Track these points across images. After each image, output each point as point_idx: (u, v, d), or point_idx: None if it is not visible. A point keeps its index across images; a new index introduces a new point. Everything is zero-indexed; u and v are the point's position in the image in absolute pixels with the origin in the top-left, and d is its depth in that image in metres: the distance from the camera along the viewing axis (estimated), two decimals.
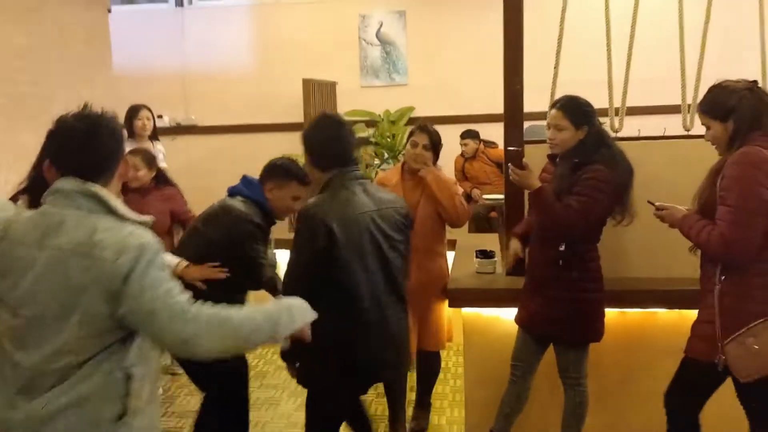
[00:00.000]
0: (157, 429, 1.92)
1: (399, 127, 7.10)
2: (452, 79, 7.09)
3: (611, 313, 3.12)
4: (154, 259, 1.72)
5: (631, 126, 3.42)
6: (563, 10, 3.32)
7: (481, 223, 6.02)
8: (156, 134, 4.90)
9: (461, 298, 3.27)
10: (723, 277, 2.42)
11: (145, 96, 5.13)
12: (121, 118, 3.23)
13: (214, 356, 1.76)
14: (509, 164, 2.89)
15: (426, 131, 3.45)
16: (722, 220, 2.37)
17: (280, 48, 7.38)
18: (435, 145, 3.44)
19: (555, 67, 3.30)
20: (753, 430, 2.55)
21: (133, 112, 4.73)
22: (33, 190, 2.43)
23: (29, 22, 4.23)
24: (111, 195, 1.79)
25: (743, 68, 2.84)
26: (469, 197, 6.45)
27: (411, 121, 7.19)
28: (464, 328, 3.36)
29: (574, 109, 2.82)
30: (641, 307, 3.20)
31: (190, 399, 4.03)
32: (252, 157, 4.47)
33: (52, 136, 1.89)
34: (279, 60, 7.34)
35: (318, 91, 6.74)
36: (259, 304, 1.94)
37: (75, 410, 1.70)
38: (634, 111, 3.53)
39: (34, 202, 2.30)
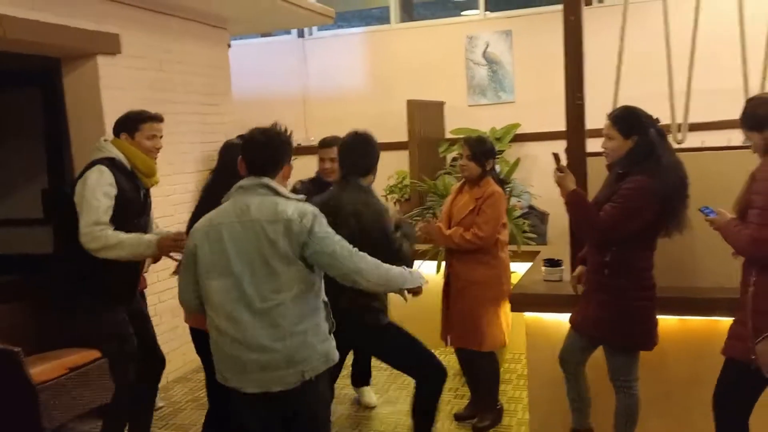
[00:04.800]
0: None
1: (505, 143, 7.28)
2: (558, 95, 7.12)
3: (672, 321, 3.18)
4: (322, 219, 2.42)
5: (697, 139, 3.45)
6: (622, 28, 3.46)
7: None
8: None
9: (521, 302, 3.45)
10: (755, 279, 2.47)
11: (269, 119, 5.69)
12: None
13: (371, 289, 2.56)
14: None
15: (466, 143, 3.69)
16: (752, 221, 2.43)
17: (391, 71, 7.82)
18: (477, 156, 3.63)
19: (616, 83, 3.43)
20: None
21: None
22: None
23: (162, 61, 4.98)
24: (277, 183, 2.45)
25: None
26: None
27: (517, 137, 7.36)
28: (526, 332, 3.53)
29: (624, 119, 2.90)
30: (702, 315, 3.20)
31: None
32: None
33: (244, 142, 2.55)
34: (390, 82, 7.77)
35: (424, 110, 7.10)
36: None
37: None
38: (698, 126, 3.54)
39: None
